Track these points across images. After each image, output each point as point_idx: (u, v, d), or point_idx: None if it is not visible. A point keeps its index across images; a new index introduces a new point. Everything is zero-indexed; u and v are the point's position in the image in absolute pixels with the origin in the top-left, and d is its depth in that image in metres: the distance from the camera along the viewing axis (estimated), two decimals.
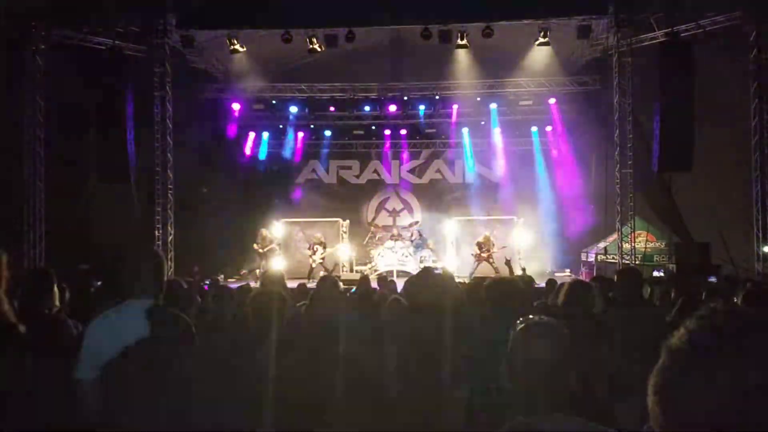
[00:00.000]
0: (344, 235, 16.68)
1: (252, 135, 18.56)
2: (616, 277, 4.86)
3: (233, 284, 12.38)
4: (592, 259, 15.28)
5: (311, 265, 14.99)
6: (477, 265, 14.88)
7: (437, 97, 17.04)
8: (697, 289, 5.86)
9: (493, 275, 13.26)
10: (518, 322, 1.92)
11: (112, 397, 2.51)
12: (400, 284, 6.66)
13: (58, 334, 3.33)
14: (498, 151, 18.75)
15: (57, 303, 3.80)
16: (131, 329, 2.58)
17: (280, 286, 4.73)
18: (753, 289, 4.33)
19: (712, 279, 9.94)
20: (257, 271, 15.21)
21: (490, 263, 14.89)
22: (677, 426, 0.80)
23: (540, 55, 14.47)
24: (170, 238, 13.84)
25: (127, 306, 2.87)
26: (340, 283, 4.23)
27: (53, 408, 2.82)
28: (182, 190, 14.45)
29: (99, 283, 6.71)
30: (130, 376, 2.48)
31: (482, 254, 14.91)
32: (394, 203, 19.37)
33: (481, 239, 15.20)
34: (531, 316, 1.96)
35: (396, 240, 16.47)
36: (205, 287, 8.06)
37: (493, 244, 15.17)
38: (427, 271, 4.66)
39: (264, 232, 15.64)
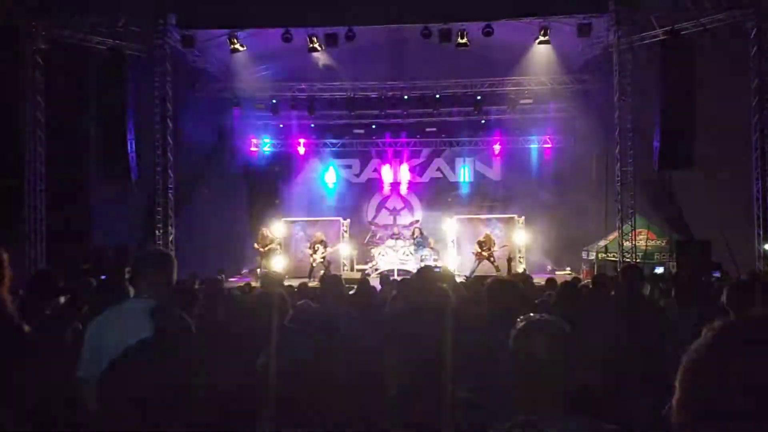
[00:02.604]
0: (344, 234, 16.67)
1: (252, 134, 18.57)
2: (619, 275, 4.86)
3: (234, 284, 12.44)
4: (592, 257, 15.27)
5: (312, 264, 15.00)
6: (478, 264, 14.89)
7: (437, 96, 17.04)
8: (697, 286, 5.86)
9: (494, 274, 13.29)
10: (519, 320, 1.92)
11: (114, 397, 2.51)
12: None
13: (60, 333, 3.33)
14: (498, 150, 18.78)
15: (58, 303, 3.81)
16: (132, 328, 2.58)
17: (280, 286, 4.74)
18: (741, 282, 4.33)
19: (716, 274, 9.95)
20: (258, 270, 15.23)
21: (491, 262, 14.91)
22: (700, 410, 0.81)
23: (540, 53, 14.46)
24: (170, 237, 13.84)
25: (128, 305, 2.88)
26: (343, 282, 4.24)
27: (56, 407, 2.82)
28: (182, 189, 14.44)
29: (99, 282, 6.70)
30: (131, 375, 2.48)
31: (483, 253, 14.92)
32: (394, 202, 19.37)
33: (482, 238, 15.21)
34: (531, 315, 1.96)
35: (397, 239, 16.48)
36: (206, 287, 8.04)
37: (494, 243, 15.18)
38: (425, 271, 4.67)
39: (264, 231, 15.66)
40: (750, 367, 0.78)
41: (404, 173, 19.05)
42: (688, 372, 0.84)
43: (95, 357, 2.66)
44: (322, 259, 15.05)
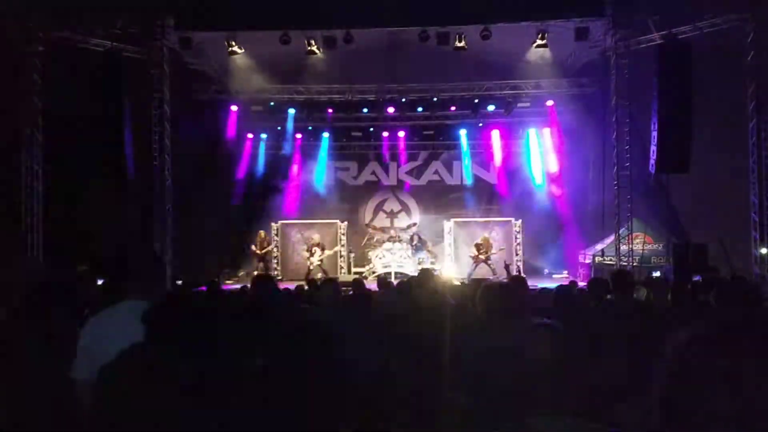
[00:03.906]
0: (342, 236, 16.67)
1: (250, 136, 18.55)
2: (610, 280, 4.91)
3: (231, 286, 12.43)
4: (589, 261, 15.29)
5: (309, 267, 14.99)
6: (475, 267, 14.90)
7: (435, 99, 17.05)
8: (692, 289, 5.88)
9: (491, 277, 13.30)
10: (519, 323, 1.93)
11: (109, 400, 2.50)
12: None
13: (58, 335, 3.32)
14: (496, 153, 18.80)
15: (56, 305, 3.79)
16: (127, 329, 2.57)
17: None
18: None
19: (697, 278, 9.90)
20: (255, 272, 15.21)
21: (489, 265, 14.91)
22: (680, 411, 0.81)
23: (538, 57, 14.48)
24: (168, 240, 13.81)
25: (124, 305, 2.87)
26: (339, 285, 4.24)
27: (50, 408, 2.81)
28: (180, 191, 14.43)
29: (99, 283, 6.69)
30: (126, 379, 2.47)
31: (480, 256, 14.93)
32: (392, 205, 19.37)
33: (479, 241, 15.23)
34: (531, 319, 1.97)
35: (394, 242, 16.48)
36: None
37: (491, 246, 15.19)
38: (423, 273, 4.67)
39: (262, 233, 15.65)
40: (727, 369, 0.78)
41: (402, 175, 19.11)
42: (669, 374, 0.85)
43: (88, 358, 2.65)
44: (319, 262, 15.05)
